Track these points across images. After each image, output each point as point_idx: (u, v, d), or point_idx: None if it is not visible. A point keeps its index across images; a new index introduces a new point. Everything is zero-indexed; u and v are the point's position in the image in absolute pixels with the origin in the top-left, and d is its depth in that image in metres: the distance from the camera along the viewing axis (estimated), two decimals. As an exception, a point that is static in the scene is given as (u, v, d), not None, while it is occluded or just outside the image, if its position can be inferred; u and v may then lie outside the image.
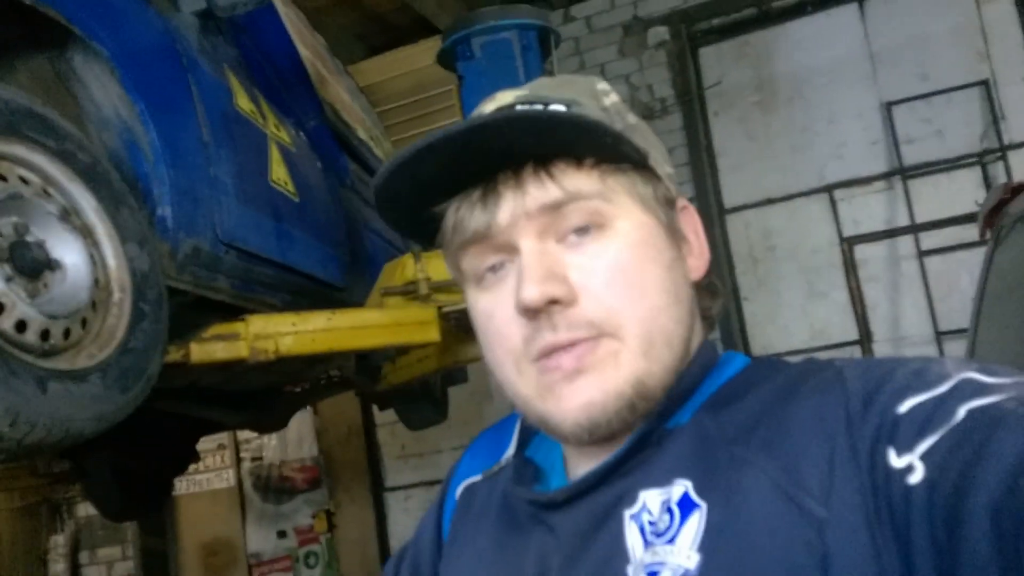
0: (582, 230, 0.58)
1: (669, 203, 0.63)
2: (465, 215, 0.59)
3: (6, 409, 1.04)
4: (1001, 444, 0.44)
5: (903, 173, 4.39)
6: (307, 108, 2.39)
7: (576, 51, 4.89)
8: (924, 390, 0.49)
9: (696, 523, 0.53)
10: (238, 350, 1.67)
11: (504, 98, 0.62)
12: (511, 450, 0.71)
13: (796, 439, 0.52)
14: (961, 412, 0.47)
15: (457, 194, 0.60)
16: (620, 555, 0.55)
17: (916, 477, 0.46)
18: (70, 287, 1.23)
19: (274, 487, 4.85)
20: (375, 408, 4.47)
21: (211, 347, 1.64)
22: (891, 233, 4.37)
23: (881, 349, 4.35)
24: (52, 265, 1.21)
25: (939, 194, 4.32)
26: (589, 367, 0.57)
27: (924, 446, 0.47)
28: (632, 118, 0.64)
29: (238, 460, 4.90)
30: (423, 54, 3.82)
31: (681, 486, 0.55)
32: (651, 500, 0.55)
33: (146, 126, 1.46)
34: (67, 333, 1.19)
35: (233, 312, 1.77)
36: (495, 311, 0.60)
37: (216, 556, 4.79)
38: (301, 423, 4.84)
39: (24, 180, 1.21)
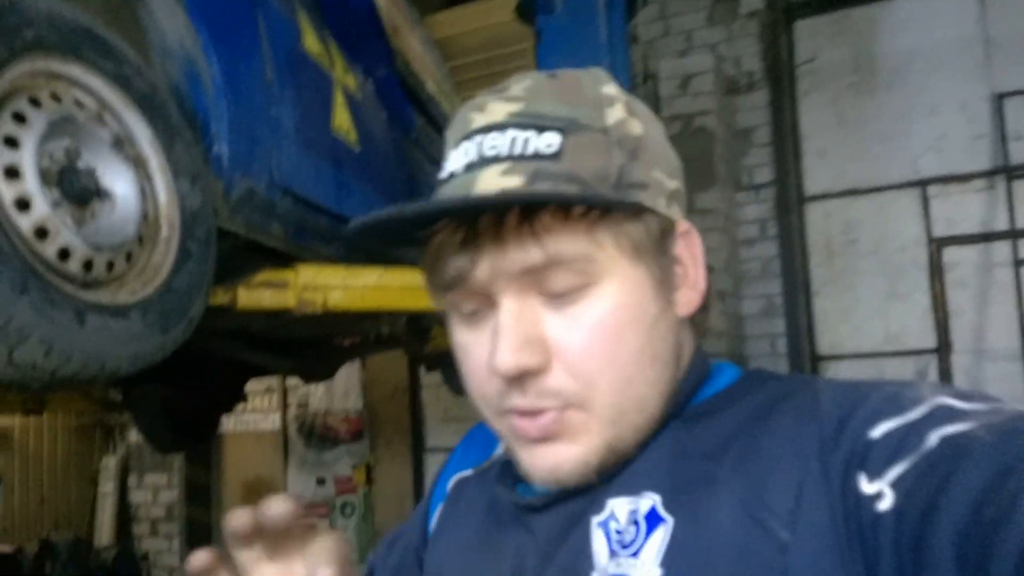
0: (572, 289, 0.56)
1: (664, 236, 0.60)
2: (446, 256, 0.58)
3: (41, 339, 1.02)
4: (968, 473, 0.44)
5: (1008, 173, 4.11)
6: (378, 56, 2.33)
7: (661, 15, 4.70)
8: (896, 415, 0.49)
9: (661, 538, 0.53)
10: (286, 299, 1.64)
11: (495, 112, 0.58)
12: (500, 449, 0.72)
13: (767, 460, 0.53)
14: (933, 439, 0.47)
15: (436, 225, 0.58)
16: (586, 561, 0.56)
17: (886, 504, 0.46)
18: (118, 219, 1.21)
19: (317, 435, 4.92)
20: (422, 368, 4.47)
21: (259, 294, 1.62)
22: (987, 237, 4.10)
23: (960, 361, 4.13)
24: (101, 194, 1.19)
25: (1046, 200, 4.07)
26: (554, 436, 0.57)
27: (894, 473, 0.47)
28: (637, 128, 0.60)
29: (285, 405, 4.98)
30: (500, 9, 3.71)
31: (649, 499, 0.55)
32: (619, 509, 0.56)
33: (209, 58, 1.42)
34: (111, 266, 1.17)
35: (284, 260, 1.74)
36: (472, 351, 0.60)
37: (257, 495, 4.86)
38: (348, 376, 4.88)
39: (79, 103, 1.19)
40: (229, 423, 4.87)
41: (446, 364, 3.16)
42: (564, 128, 0.56)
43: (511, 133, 0.57)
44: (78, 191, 1.14)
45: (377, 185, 2.08)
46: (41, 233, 1.07)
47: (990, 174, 4.17)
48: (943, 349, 4.08)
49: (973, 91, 4.23)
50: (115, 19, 1.37)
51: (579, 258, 0.55)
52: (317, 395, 4.97)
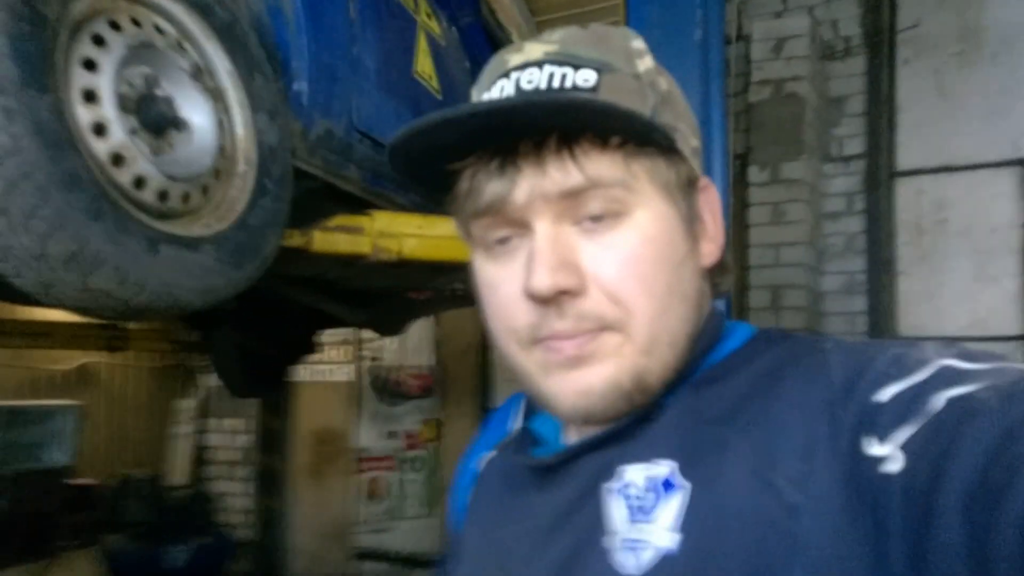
0: (598, 217, 0.57)
1: (691, 184, 0.61)
2: (481, 183, 0.57)
3: (115, 266, 0.99)
4: (974, 437, 0.44)
5: (1113, 156, 3.83)
6: (463, 4, 2.25)
7: (756, -26, 4.49)
8: (903, 377, 0.50)
9: (677, 503, 0.54)
10: (361, 245, 1.59)
11: (532, 52, 0.59)
12: (517, 422, 0.73)
13: (777, 424, 0.53)
14: (940, 401, 0.47)
15: (473, 155, 0.58)
16: (597, 526, 0.57)
17: (895, 466, 0.47)
18: (194, 150, 1.16)
19: (389, 389, 4.94)
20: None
21: (334, 238, 1.57)
22: (1085, 223, 3.85)
23: (1049, 349, 3.90)
24: (179, 124, 1.15)
25: None
26: (590, 355, 0.57)
27: (903, 436, 0.47)
28: (664, 83, 0.62)
29: (359, 357, 5.01)
30: (591, -37, 3.58)
31: (665, 466, 0.56)
32: (635, 475, 0.57)
33: (292, -8, 1.36)
34: (186, 198, 1.13)
35: (359, 206, 1.69)
36: (500, 286, 0.60)
37: (327, 444, 4.97)
38: (422, 331, 4.88)
39: (159, 30, 1.14)
40: (304, 372, 4.93)
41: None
42: (599, 68, 0.58)
43: (548, 69, 0.57)
44: (155, 119, 1.10)
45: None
46: (117, 160, 1.04)
47: (1095, 156, 3.89)
48: (1032, 337, 3.86)
49: (1084, 68, 3.93)
50: (199, -53, 1.32)
51: (616, 183, 0.56)
52: (390, 349, 4.98)
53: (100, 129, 1.02)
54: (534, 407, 0.71)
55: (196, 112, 1.17)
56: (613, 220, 0.57)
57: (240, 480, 5.15)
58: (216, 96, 1.21)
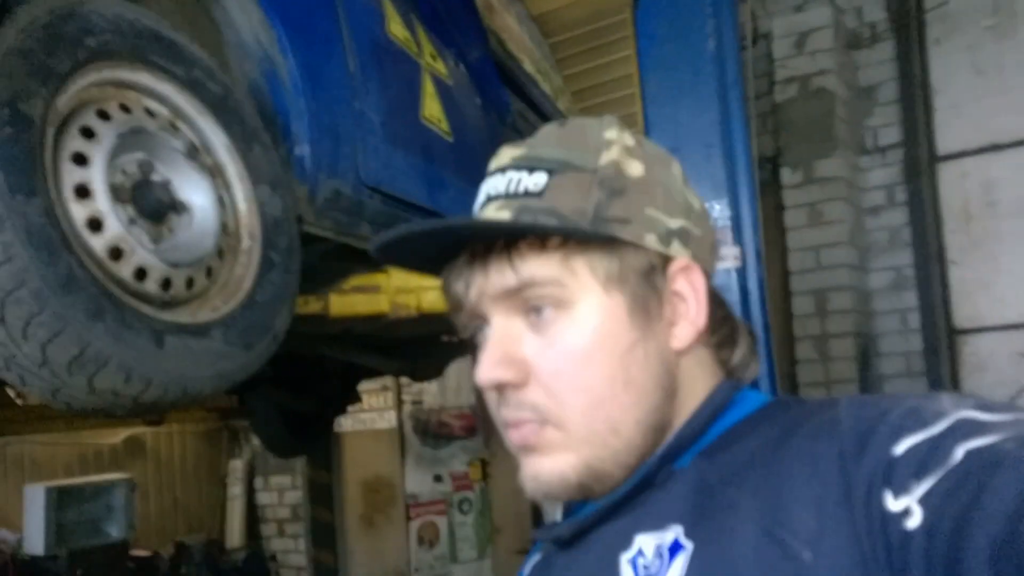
0: (537, 310, 0.62)
1: (651, 270, 0.63)
2: (449, 283, 0.66)
3: (119, 365, 0.96)
4: (1000, 488, 0.44)
5: None
6: (470, 38, 2.22)
7: (773, -31, 4.42)
8: (919, 429, 0.49)
9: (681, 564, 0.56)
10: (379, 304, 1.56)
11: (503, 158, 0.66)
12: (558, 515, 0.76)
13: (786, 481, 0.54)
14: (959, 453, 0.47)
15: (450, 256, 0.66)
16: None
17: (914, 521, 0.46)
18: (196, 232, 1.14)
19: (432, 432, 4.92)
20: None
21: (351, 299, 1.54)
22: None
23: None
24: (177, 207, 1.12)
25: None
26: (534, 448, 0.63)
27: (922, 489, 0.47)
28: (636, 169, 0.64)
29: (399, 402, 5.00)
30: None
31: (673, 532, 0.58)
32: (646, 544, 0.60)
33: (285, 55, 1.34)
34: (190, 283, 1.10)
35: (378, 261, 1.66)
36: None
37: (377, 493, 4.95)
38: (460, 371, 4.84)
39: (150, 112, 1.12)
40: (346, 422, 4.93)
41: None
42: (553, 169, 0.63)
43: (509, 174, 0.64)
44: (153, 206, 1.08)
45: (472, 176, 1.98)
46: (115, 253, 1.01)
47: None
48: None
49: None
50: (188, 19, 1.31)
51: (549, 282, 0.61)
52: (430, 391, 4.96)
53: (96, 224, 1.00)
54: (571, 505, 0.74)
55: (195, 192, 1.15)
56: (554, 313, 0.62)
57: (293, 536, 5.15)
58: (214, 173, 1.19)
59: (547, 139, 0.66)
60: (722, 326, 0.68)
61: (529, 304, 0.62)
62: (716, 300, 0.67)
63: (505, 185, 0.64)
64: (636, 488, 0.62)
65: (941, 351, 4.13)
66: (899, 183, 4.28)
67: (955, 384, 4.11)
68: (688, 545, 0.56)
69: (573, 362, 0.61)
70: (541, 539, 0.72)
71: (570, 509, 0.73)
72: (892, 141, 4.29)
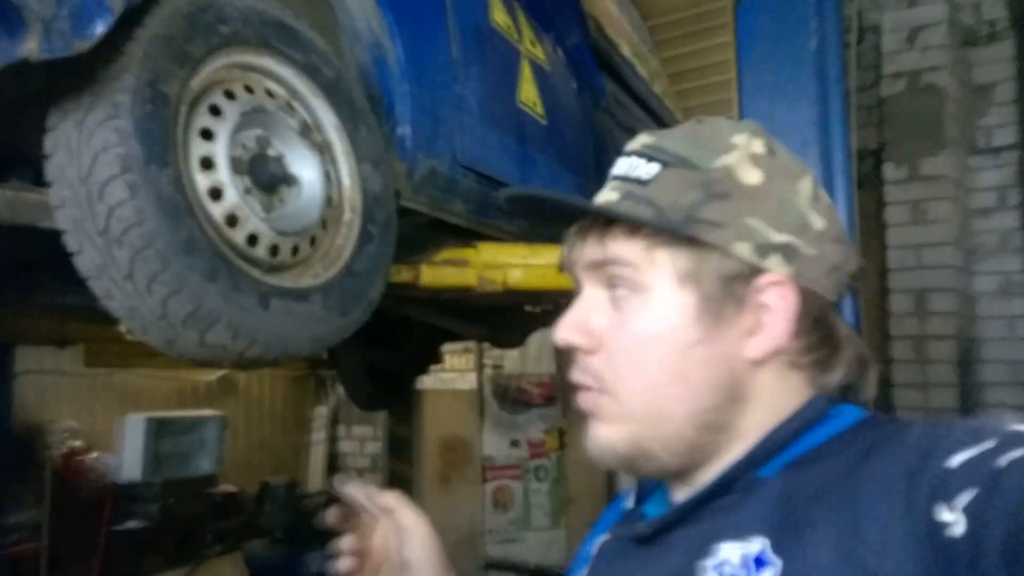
0: (619, 288, 0.67)
1: (735, 277, 0.64)
2: (564, 245, 0.72)
3: (228, 322, 1.06)
4: (1018, 490, 0.46)
5: None
6: (570, 23, 2.26)
7: (887, -39, 4.25)
8: (974, 444, 0.51)
9: None
10: (466, 278, 1.64)
11: (636, 142, 0.71)
12: (630, 502, 0.78)
13: (862, 498, 0.55)
14: (1003, 463, 0.49)
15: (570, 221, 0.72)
16: None
17: (959, 530, 0.48)
18: (304, 204, 1.24)
19: (511, 397, 5.01)
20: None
21: (441, 271, 1.62)
22: None
23: None
24: (288, 180, 1.22)
25: None
26: (591, 414, 0.68)
27: (965, 499, 0.49)
28: (751, 176, 0.65)
29: (481, 366, 5.11)
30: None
31: (758, 543, 0.59)
32: (731, 553, 0.60)
33: (393, 40, 1.42)
34: (295, 250, 1.20)
35: (469, 236, 1.74)
36: None
37: (454, 452, 5.09)
38: (541, 340, 4.89)
39: (270, 93, 1.22)
40: (428, 381, 5.07)
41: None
42: (669, 162, 0.66)
43: (632, 159, 0.69)
44: (267, 178, 1.18)
45: (563, 157, 2.03)
46: (231, 220, 1.11)
47: None
48: None
49: None
50: (308, 8, 1.40)
51: (627, 263, 0.66)
52: (512, 357, 5.06)
53: (216, 193, 1.10)
54: (646, 490, 0.77)
55: (305, 167, 1.24)
56: (630, 294, 0.66)
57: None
58: (323, 150, 1.28)
59: (680, 133, 0.69)
60: (820, 348, 0.67)
61: (610, 279, 0.67)
62: (816, 322, 0.66)
63: (626, 168, 0.68)
64: (715, 491, 0.64)
65: (1049, 362, 3.96)
66: (1012, 185, 4.08)
67: (1058, 396, 3.95)
68: (777, 562, 0.57)
69: (636, 343, 0.65)
70: (622, 535, 0.73)
71: (643, 492, 0.76)
72: (1007, 142, 4.09)
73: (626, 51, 2.57)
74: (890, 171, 4.06)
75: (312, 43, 1.27)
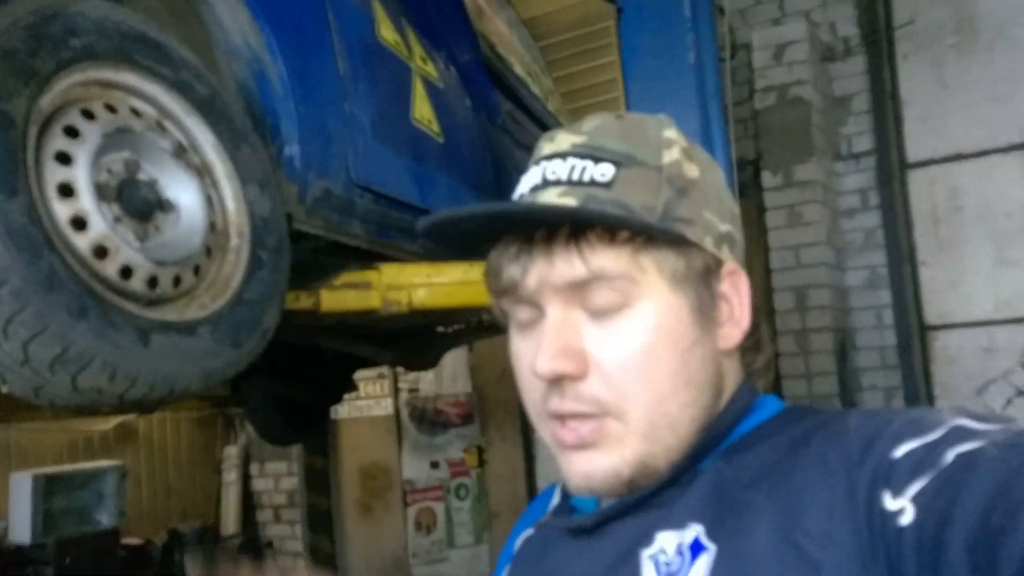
0: (603, 304, 0.58)
1: (708, 271, 0.61)
2: (500, 265, 0.61)
3: (103, 363, 0.91)
4: (975, 484, 0.45)
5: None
6: (460, 41, 2.16)
7: (753, -17, 4.39)
8: (918, 436, 0.51)
9: (704, 565, 0.55)
10: (370, 300, 1.51)
11: (562, 143, 0.62)
12: (556, 499, 0.74)
13: (801, 484, 0.54)
14: (950, 456, 0.48)
15: (500, 237, 0.61)
16: None
17: (907, 519, 0.48)
18: (183, 231, 1.08)
19: (429, 419, 4.86)
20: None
21: (342, 296, 1.49)
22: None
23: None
24: (164, 206, 1.07)
25: None
26: (590, 444, 0.59)
27: (914, 489, 0.48)
28: (693, 171, 0.62)
29: (396, 390, 4.95)
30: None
31: (694, 530, 0.57)
32: (667, 542, 0.58)
33: (274, 56, 1.28)
34: (177, 281, 1.05)
35: (370, 258, 1.61)
36: (522, 360, 0.62)
37: (374, 479, 4.89)
38: (456, 360, 4.80)
39: (136, 112, 1.07)
40: (343, 409, 4.87)
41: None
42: (619, 162, 0.59)
43: (571, 161, 0.60)
44: (139, 205, 1.02)
45: (462, 175, 1.92)
46: (100, 252, 0.96)
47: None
48: (1056, 316, 3.70)
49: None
50: (176, 21, 1.25)
51: (620, 276, 0.58)
52: (426, 379, 4.91)
53: (80, 223, 0.94)
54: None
55: (182, 191, 1.09)
56: (618, 311, 0.58)
57: (289, 523, 5.08)
58: (202, 172, 1.13)
59: (607, 130, 0.62)
60: (754, 332, 0.65)
61: (594, 299, 0.58)
62: (753, 306, 0.65)
63: (568, 172, 0.59)
64: (663, 485, 0.60)
65: (913, 346, 4.16)
66: (872, 188, 4.29)
67: (927, 377, 4.16)
68: (711, 547, 0.55)
69: (639, 357, 0.58)
70: (555, 527, 0.68)
71: (569, 509, 0.71)
72: (865, 148, 4.29)
73: (519, 70, 2.50)
74: (767, 179, 4.18)
75: (182, 58, 1.12)
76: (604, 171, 0.59)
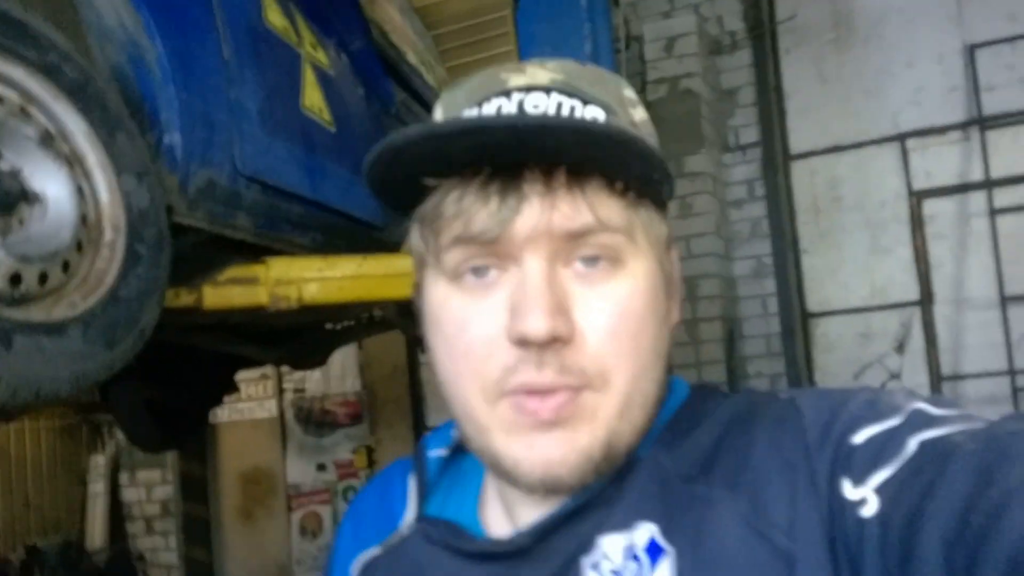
0: (592, 260, 0.52)
1: (668, 241, 0.58)
2: (471, 208, 0.50)
3: (-39, 368, 0.86)
4: (952, 480, 0.43)
5: (981, 123, 4.04)
6: (351, 28, 2.13)
7: (644, -24, 4.52)
8: (877, 421, 0.49)
9: (667, 570, 0.49)
10: (257, 296, 1.48)
11: (537, 76, 0.55)
12: (410, 513, 0.62)
13: (758, 472, 0.51)
14: (912, 444, 0.46)
15: (458, 174, 0.51)
16: None
17: (870, 510, 0.46)
18: (51, 224, 1.03)
19: (315, 420, 4.78)
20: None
21: (227, 292, 1.45)
22: (963, 188, 4.06)
23: (942, 311, 4.10)
24: (29, 198, 1.02)
25: (1018, 148, 3.97)
26: (564, 420, 0.51)
27: (877, 479, 0.46)
28: (654, 138, 0.58)
29: (280, 391, 4.83)
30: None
31: (646, 530, 0.51)
32: (611, 546, 0.51)
33: (152, 39, 1.24)
34: (43, 278, 1.00)
35: (258, 250, 1.58)
36: (471, 324, 0.52)
37: (256, 485, 4.77)
38: (344, 358, 4.73)
39: (-3, 97, 1.01)
40: (223, 412, 4.71)
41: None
42: (605, 108, 0.54)
43: (556, 97, 0.53)
44: (0, 196, 0.97)
45: (355, 165, 1.91)
46: (-45, 248, 0.91)
47: (965, 125, 4.09)
48: (926, 301, 4.03)
49: (947, 43, 4.15)
50: (43, 0, 1.18)
51: (621, 230, 0.52)
52: (313, 379, 4.82)
53: (-69, 216, 0.89)
54: (428, 490, 0.63)
55: (49, 182, 1.04)
56: (608, 267, 0.52)
57: (163, 534, 4.88)
58: (72, 162, 1.08)
59: (578, 74, 0.56)
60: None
61: (584, 250, 0.51)
62: None
63: (556, 108, 0.53)
64: (605, 479, 0.54)
65: (796, 333, 4.36)
66: (758, 179, 4.48)
67: (809, 363, 4.37)
68: (670, 549, 0.50)
69: (631, 323, 0.52)
70: (492, 551, 0.56)
71: (426, 491, 0.63)
72: (751, 140, 4.49)
73: (413, 59, 2.49)
74: (658, 170, 4.30)
75: (49, 40, 1.07)
76: (596, 115, 0.53)
